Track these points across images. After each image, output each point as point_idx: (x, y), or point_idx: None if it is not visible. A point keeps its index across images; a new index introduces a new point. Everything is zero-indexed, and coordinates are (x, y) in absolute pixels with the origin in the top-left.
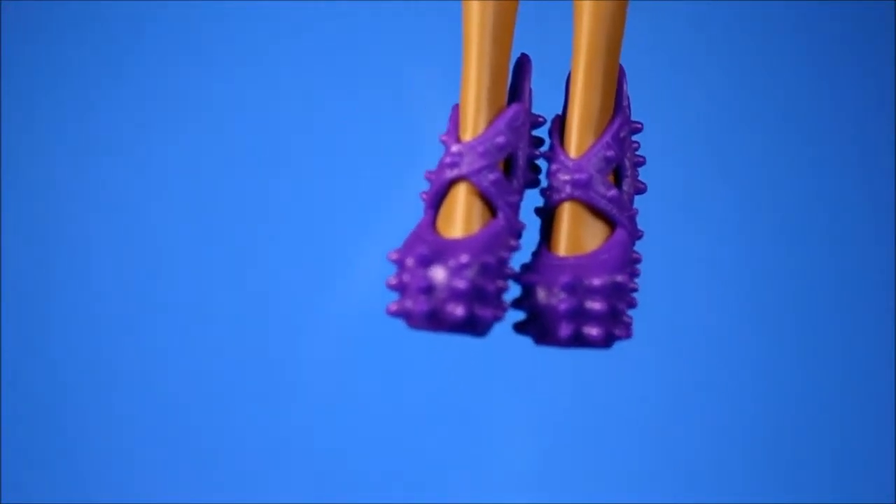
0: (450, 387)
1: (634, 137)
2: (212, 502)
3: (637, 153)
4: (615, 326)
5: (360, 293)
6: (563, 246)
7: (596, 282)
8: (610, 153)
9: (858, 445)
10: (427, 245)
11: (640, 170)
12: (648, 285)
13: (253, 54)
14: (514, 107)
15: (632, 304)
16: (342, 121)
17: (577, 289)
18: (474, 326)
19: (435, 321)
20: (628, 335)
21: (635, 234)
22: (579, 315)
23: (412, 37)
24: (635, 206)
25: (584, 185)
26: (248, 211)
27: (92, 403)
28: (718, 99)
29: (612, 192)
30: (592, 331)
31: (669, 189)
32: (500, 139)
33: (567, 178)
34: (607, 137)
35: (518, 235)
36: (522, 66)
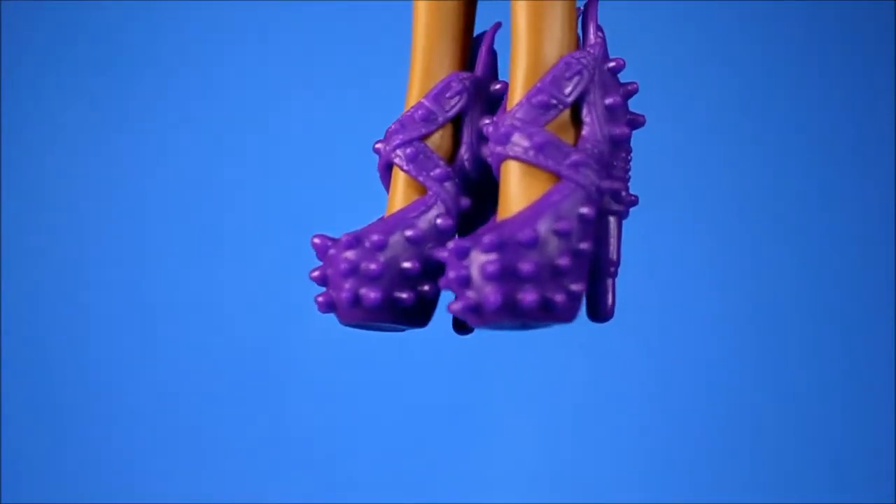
0: (450, 388)
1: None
2: (212, 502)
3: (612, 92)
4: (550, 290)
5: None
6: (500, 210)
7: (521, 236)
8: (541, 98)
9: (858, 445)
10: (353, 233)
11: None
12: (649, 286)
13: (253, 54)
14: (449, 76)
15: (576, 267)
16: (342, 120)
17: (504, 247)
18: (395, 313)
19: (356, 309)
20: (569, 303)
21: (586, 185)
22: (507, 277)
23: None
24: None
25: (503, 139)
26: (247, 210)
27: (92, 403)
28: (718, 97)
29: (538, 140)
30: (527, 297)
31: (668, 188)
32: (420, 112)
33: (493, 135)
34: (542, 83)
35: (451, 212)
36: (484, 34)
